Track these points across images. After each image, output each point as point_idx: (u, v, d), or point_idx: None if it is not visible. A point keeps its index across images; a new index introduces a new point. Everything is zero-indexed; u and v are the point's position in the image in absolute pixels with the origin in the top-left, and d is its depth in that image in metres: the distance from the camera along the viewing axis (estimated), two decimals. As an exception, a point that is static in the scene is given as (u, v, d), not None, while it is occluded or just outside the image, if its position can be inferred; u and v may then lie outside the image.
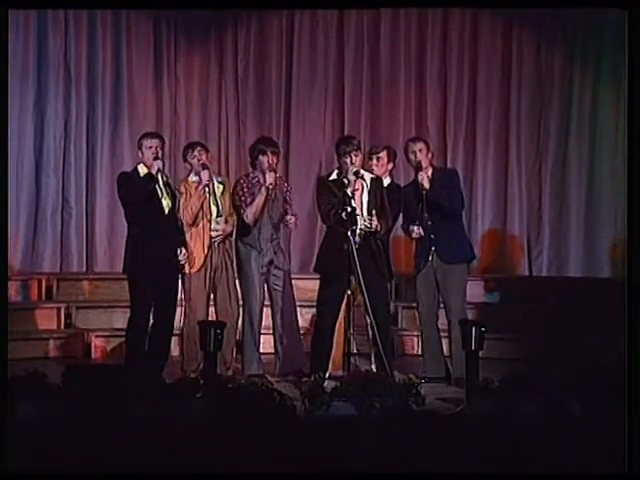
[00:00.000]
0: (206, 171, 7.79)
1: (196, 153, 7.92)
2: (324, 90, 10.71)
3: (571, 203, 10.38)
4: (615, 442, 5.76)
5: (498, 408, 6.29)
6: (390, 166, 8.19)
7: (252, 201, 7.88)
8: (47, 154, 10.21)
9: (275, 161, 7.97)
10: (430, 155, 8.02)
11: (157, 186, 7.60)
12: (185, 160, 8.00)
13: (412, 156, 7.95)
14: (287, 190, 8.11)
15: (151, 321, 7.62)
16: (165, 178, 7.75)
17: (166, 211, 7.65)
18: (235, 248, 8.01)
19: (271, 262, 7.97)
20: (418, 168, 7.88)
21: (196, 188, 7.79)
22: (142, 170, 7.65)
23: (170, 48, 10.61)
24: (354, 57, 10.65)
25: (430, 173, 7.93)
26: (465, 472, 5.73)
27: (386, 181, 7.98)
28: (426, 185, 7.77)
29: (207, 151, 8.05)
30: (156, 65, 10.56)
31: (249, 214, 7.89)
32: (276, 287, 8.01)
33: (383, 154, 8.13)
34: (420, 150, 7.93)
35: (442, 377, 7.85)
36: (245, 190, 7.94)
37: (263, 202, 7.86)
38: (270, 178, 7.80)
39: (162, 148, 7.74)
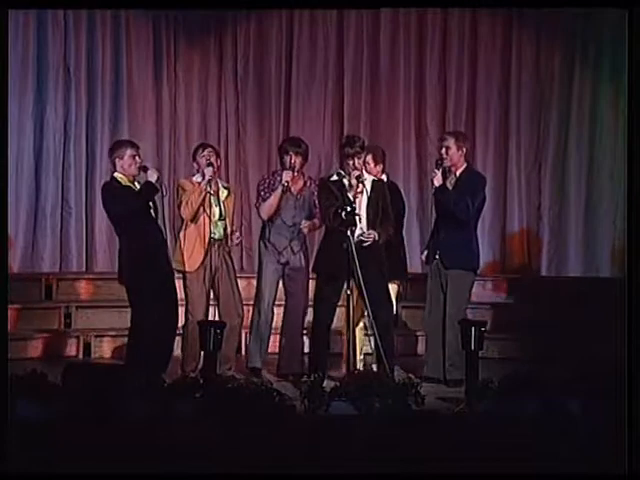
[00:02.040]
0: (210, 168, 7.75)
1: (206, 153, 7.87)
2: (323, 89, 10.71)
3: (571, 202, 10.38)
4: (615, 442, 5.75)
5: (498, 408, 6.29)
6: (379, 168, 8.13)
7: (268, 197, 7.90)
8: (47, 154, 10.20)
9: (298, 161, 7.93)
10: (462, 151, 7.89)
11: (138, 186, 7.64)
12: (194, 159, 7.95)
13: (440, 151, 7.89)
14: (314, 193, 8.05)
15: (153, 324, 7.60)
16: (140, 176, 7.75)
17: (153, 213, 7.64)
18: (258, 245, 8.06)
19: (287, 263, 7.97)
20: (436, 165, 7.86)
21: (199, 185, 7.78)
22: (122, 179, 7.57)
23: (170, 48, 10.61)
24: (353, 57, 10.65)
25: (460, 172, 7.86)
26: (465, 472, 5.73)
27: None
28: (436, 183, 7.74)
29: (217, 155, 8.03)
30: (156, 65, 10.56)
31: (264, 209, 7.91)
32: (289, 288, 8.01)
33: (369, 157, 8.05)
34: (447, 147, 7.83)
35: (439, 378, 7.84)
36: (266, 185, 7.96)
37: (278, 200, 7.86)
38: (286, 176, 7.80)
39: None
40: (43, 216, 10.15)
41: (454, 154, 7.83)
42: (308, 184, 8.05)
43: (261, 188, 7.98)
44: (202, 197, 7.73)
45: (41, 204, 10.15)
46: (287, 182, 7.82)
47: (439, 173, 7.76)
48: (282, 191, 7.84)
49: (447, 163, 7.83)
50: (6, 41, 6.55)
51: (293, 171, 7.86)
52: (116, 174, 7.60)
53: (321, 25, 10.67)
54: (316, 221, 8.00)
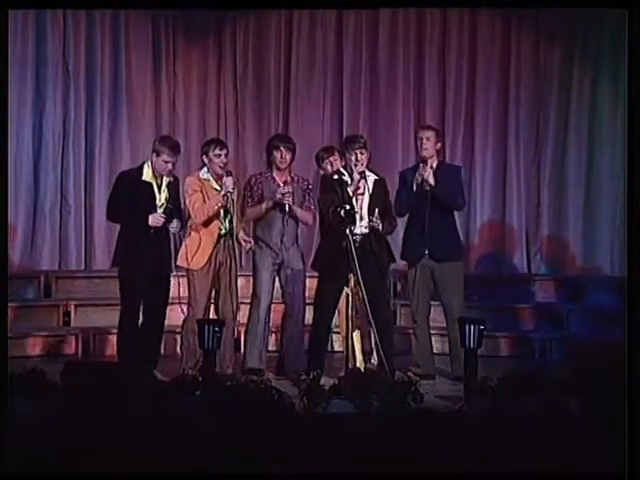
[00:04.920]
0: (230, 178, 7.65)
1: (222, 156, 7.73)
2: (323, 88, 10.70)
3: (570, 200, 10.38)
4: (615, 442, 5.75)
5: (497, 406, 6.29)
6: (438, 147, 8.06)
7: (256, 203, 7.87)
8: (46, 152, 10.18)
9: (288, 157, 7.89)
10: (438, 146, 7.96)
11: (157, 189, 7.64)
12: (205, 155, 7.80)
13: (419, 143, 7.90)
14: (307, 188, 8.02)
15: (141, 319, 7.65)
16: (170, 178, 7.75)
17: (159, 210, 7.64)
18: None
19: (282, 262, 7.94)
20: (423, 160, 7.86)
21: (203, 193, 7.66)
22: (147, 173, 7.63)
23: (169, 46, 10.60)
24: (353, 55, 10.64)
25: (435, 164, 7.91)
26: (464, 471, 5.73)
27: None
28: (431, 181, 7.75)
29: (228, 153, 7.93)
30: (155, 63, 10.54)
31: (251, 215, 7.90)
32: (287, 288, 7.96)
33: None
34: (427, 138, 7.87)
35: (432, 375, 7.87)
36: (254, 189, 7.91)
37: (265, 212, 7.83)
38: (284, 189, 7.75)
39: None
40: (42, 214, 10.14)
41: (432, 146, 7.87)
42: (296, 179, 8.00)
43: (248, 192, 7.91)
44: (219, 207, 7.66)
45: (40, 202, 10.14)
46: (283, 195, 7.76)
47: (430, 171, 7.78)
48: (273, 206, 7.80)
49: (426, 154, 7.85)
50: (6, 41, 6.54)
51: (286, 184, 7.83)
52: (146, 165, 7.66)
53: (320, 23, 10.67)
54: (309, 216, 8.01)
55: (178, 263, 7.82)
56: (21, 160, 10.05)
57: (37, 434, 5.90)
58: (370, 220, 7.51)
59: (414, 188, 7.85)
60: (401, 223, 8.09)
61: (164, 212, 7.62)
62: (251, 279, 8.10)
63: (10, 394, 6.01)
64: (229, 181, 7.64)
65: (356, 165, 7.55)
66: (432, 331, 8.14)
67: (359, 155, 7.58)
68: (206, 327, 6.98)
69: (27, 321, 9.19)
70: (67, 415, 6.05)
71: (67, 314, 9.39)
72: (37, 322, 9.30)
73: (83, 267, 10.29)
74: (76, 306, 9.43)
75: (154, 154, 7.63)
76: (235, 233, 7.80)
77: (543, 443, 5.93)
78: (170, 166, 7.62)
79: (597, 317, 9.20)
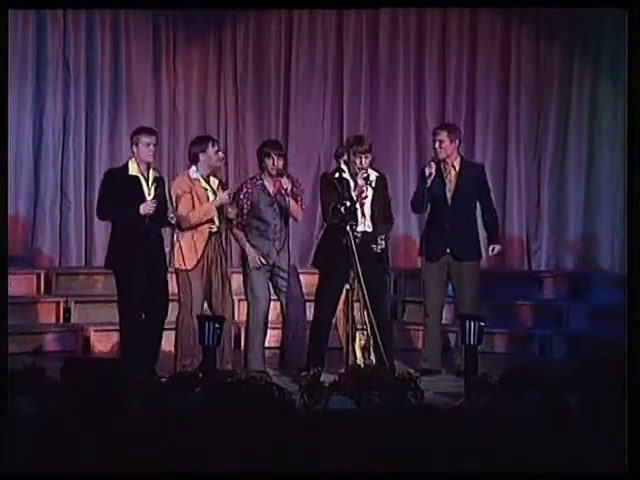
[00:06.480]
0: (225, 194, 7.74)
1: (220, 152, 7.83)
2: (323, 87, 10.72)
3: (570, 198, 10.39)
4: (616, 440, 5.74)
5: (497, 402, 6.29)
6: (455, 145, 8.06)
7: (248, 212, 7.88)
8: (46, 150, 10.18)
9: (281, 164, 7.89)
10: (456, 143, 7.96)
11: (145, 182, 7.65)
12: (202, 152, 7.79)
13: (434, 145, 7.93)
14: (298, 189, 8.01)
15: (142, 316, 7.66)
16: (157, 174, 7.75)
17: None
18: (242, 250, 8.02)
19: (274, 264, 7.94)
20: (438, 165, 7.88)
21: (193, 193, 7.68)
22: (132, 167, 7.65)
23: (169, 44, 10.61)
24: (353, 55, 10.66)
25: (457, 163, 7.91)
26: (463, 468, 5.73)
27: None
28: (451, 188, 7.84)
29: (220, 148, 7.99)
30: (155, 61, 10.55)
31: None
32: (282, 287, 7.97)
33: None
34: (441, 141, 7.88)
35: (439, 370, 7.89)
36: (247, 195, 7.91)
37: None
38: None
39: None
40: (42, 211, 10.15)
41: (448, 147, 7.86)
42: (296, 184, 7.97)
43: (239, 200, 7.90)
44: (211, 216, 7.69)
45: (40, 199, 10.14)
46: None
47: (451, 177, 7.86)
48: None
49: (442, 155, 7.86)
50: (6, 41, 6.55)
51: (279, 175, 7.81)
52: (130, 161, 7.66)
53: (320, 24, 10.67)
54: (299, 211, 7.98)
55: (173, 264, 7.83)
56: (21, 158, 10.05)
57: (37, 432, 5.89)
58: (376, 244, 7.53)
59: (427, 185, 7.86)
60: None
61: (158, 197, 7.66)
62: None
63: (10, 391, 5.99)
64: (224, 196, 7.71)
65: (360, 169, 7.56)
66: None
67: (363, 160, 7.58)
68: (207, 324, 6.98)
69: (27, 317, 9.19)
70: (67, 412, 6.04)
71: (67, 310, 9.40)
72: (37, 318, 9.30)
73: (83, 263, 10.29)
74: (76, 302, 9.44)
75: (134, 146, 7.67)
76: (227, 230, 7.84)
77: (543, 440, 5.92)
78: (153, 147, 7.65)
79: (597, 314, 9.21)
